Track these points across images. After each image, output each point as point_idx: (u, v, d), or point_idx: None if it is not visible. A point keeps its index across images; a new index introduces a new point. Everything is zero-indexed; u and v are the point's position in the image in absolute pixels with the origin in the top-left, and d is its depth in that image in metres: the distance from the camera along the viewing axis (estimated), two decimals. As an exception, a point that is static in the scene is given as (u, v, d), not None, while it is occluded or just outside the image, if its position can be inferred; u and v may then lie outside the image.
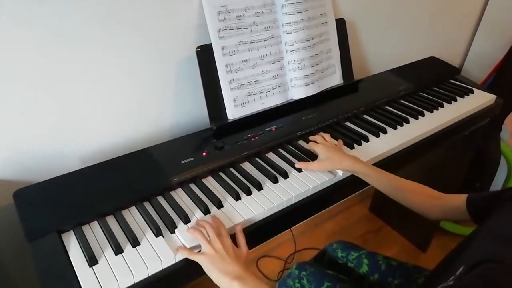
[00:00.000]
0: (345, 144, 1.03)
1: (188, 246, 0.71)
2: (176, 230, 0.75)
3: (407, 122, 1.16)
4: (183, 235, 0.74)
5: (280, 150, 0.99)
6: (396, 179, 0.91)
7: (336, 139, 1.03)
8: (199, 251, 0.72)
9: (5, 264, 0.93)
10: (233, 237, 0.75)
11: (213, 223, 0.75)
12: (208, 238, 0.71)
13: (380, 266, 1.04)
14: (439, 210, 0.86)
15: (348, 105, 1.18)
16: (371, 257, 1.06)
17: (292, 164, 0.94)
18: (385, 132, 1.10)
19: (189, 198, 0.83)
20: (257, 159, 0.96)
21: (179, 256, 0.71)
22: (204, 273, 0.70)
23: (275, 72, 1.07)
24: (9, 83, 0.78)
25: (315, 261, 1.17)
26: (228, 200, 0.83)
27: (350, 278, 1.06)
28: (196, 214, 0.79)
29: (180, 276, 0.72)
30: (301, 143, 1.03)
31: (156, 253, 0.70)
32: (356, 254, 1.08)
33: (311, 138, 1.01)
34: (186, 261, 0.71)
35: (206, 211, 0.79)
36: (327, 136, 1.01)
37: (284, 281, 1.08)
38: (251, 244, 0.83)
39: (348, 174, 0.95)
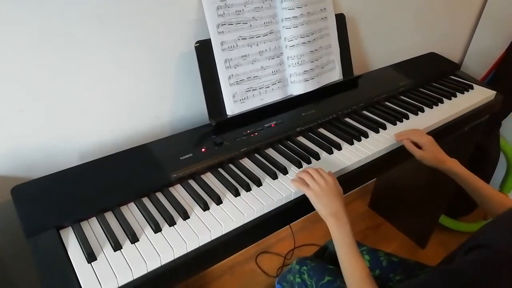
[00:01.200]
0: (345, 140, 1.02)
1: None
2: (175, 226, 0.75)
3: (407, 118, 1.15)
4: (183, 231, 0.74)
5: (280, 146, 0.99)
6: (486, 188, 0.94)
7: (336, 135, 1.03)
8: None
9: (3, 260, 0.93)
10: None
11: (316, 168, 0.85)
12: (313, 178, 0.83)
13: (381, 262, 1.04)
14: None
15: (347, 101, 1.18)
16: (372, 254, 1.07)
17: (292, 161, 0.93)
18: (384, 128, 1.10)
19: (188, 194, 0.83)
20: (257, 155, 0.95)
21: (179, 252, 0.71)
22: (202, 270, 0.70)
23: (274, 67, 1.07)
24: (7, 80, 0.78)
25: (315, 257, 1.18)
26: (227, 196, 0.83)
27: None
28: (195, 210, 0.79)
29: (178, 272, 0.72)
30: (301, 139, 1.03)
31: (155, 250, 0.70)
32: None
33: (404, 133, 1.04)
34: (184, 258, 0.71)
35: (205, 207, 0.79)
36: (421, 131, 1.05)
37: (284, 277, 1.08)
38: (245, 243, 0.83)
39: (346, 171, 0.95)
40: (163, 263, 0.70)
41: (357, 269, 0.74)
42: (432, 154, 0.98)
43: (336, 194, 0.82)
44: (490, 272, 0.54)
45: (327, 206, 0.80)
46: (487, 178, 1.82)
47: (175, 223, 0.75)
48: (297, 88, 1.11)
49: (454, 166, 0.97)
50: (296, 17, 1.06)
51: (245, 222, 0.79)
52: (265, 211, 0.82)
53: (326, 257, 1.15)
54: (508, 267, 0.53)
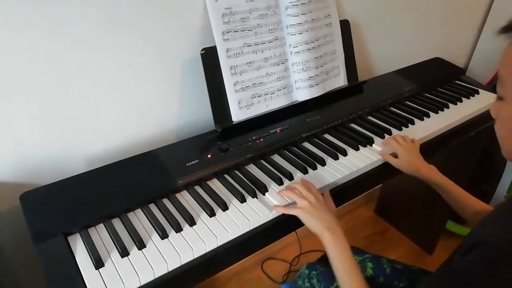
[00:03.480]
0: (350, 145, 1.02)
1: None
2: (181, 232, 0.75)
3: (412, 123, 1.15)
4: (189, 237, 0.74)
5: (285, 152, 0.99)
6: (464, 195, 0.93)
7: (342, 140, 1.03)
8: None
9: (12, 266, 0.93)
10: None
11: (303, 183, 0.83)
12: (301, 195, 0.80)
13: (384, 269, 1.03)
14: None
15: (352, 106, 1.18)
16: (375, 261, 1.06)
17: (297, 167, 0.93)
18: (390, 133, 1.09)
19: (194, 200, 0.83)
20: (262, 161, 0.96)
21: (186, 258, 0.71)
22: (209, 277, 0.70)
23: (279, 74, 1.07)
24: (15, 87, 0.79)
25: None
26: (233, 203, 0.83)
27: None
28: (202, 217, 0.79)
29: (185, 279, 0.72)
30: (306, 145, 1.03)
31: (162, 256, 0.70)
32: (360, 258, 1.08)
33: (389, 139, 1.03)
34: (191, 264, 0.72)
35: (212, 214, 0.79)
36: (407, 137, 1.04)
37: (295, 282, 1.07)
38: (252, 249, 0.84)
39: (351, 177, 0.95)
40: (170, 269, 0.70)
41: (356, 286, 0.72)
42: (407, 162, 0.97)
43: (328, 210, 0.79)
44: (488, 268, 0.54)
45: (322, 220, 0.77)
46: (494, 183, 1.81)
47: (182, 230, 0.75)
48: (302, 94, 1.12)
49: (429, 173, 0.96)
50: (301, 23, 1.06)
51: (251, 228, 0.79)
52: (271, 217, 0.82)
53: (329, 264, 1.14)
54: (504, 260, 0.53)
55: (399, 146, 0.99)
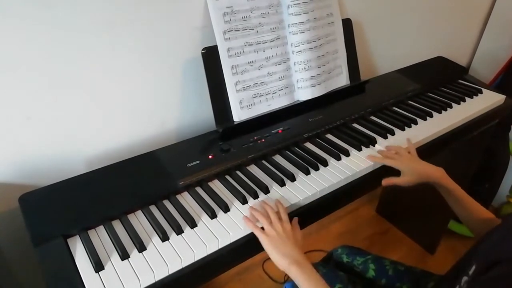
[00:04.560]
0: (353, 146, 1.01)
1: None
2: (182, 234, 0.74)
3: (415, 123, 1.14)
4: (190, 239, 0.73)
5: (287, 152, 0.98)
6: (471, 203, 0.89)
7: (344, 141, 1.02)
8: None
9: (12, 268, 0.93)
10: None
11: (275, 207, 0.79)
12: (270, 221, 0.75)
13: (387, 271, 1.02)
14: None
15: (355, 106, 1.17)
16: (377, 262, 1.05)
17: (299, 167, 0.92)
18: (392, 133, 1.08)
19: (195, 202, 0.82)
20: (264, 161, 0.95)
21: (187, 261, 0.70)
22: (210, 279, 0.69)
23: (281, 73, 1.06)
24: (14, 87, 0.78)
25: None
26: (235, 204, 0.82)
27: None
28: (203, 219, 0.78)
29: (186, 281, 0.71)
30: (308, 145, 1.02)
31: (163, 258, 0.69)
32: (362, 259, 1.07)
33: (384, 154, 0.98)
34: (192, 267, 0.71)
35: (213, 215, 0.78)
36: (398, 148, 0.99)
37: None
38: (253, 251, 0.82)
39: (354, 178, 0.94)
40: (170, 272, 0.69)
41: None
42: (411, 174, 0.91)
43: (295, 241, 0.74)
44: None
45: (287, 255, 0.71)
46: (497, 183, 1.80)
47: (183, 232, 0.75)
48: (304, 93, 1.11)
49: (439, 177, 0.91)
50: (303, 22, 1.05)
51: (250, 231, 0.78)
52: (273, 219, 0.81)
53: (332, 265, 1.13)
54: None
55: (397, 162, 0.93)
